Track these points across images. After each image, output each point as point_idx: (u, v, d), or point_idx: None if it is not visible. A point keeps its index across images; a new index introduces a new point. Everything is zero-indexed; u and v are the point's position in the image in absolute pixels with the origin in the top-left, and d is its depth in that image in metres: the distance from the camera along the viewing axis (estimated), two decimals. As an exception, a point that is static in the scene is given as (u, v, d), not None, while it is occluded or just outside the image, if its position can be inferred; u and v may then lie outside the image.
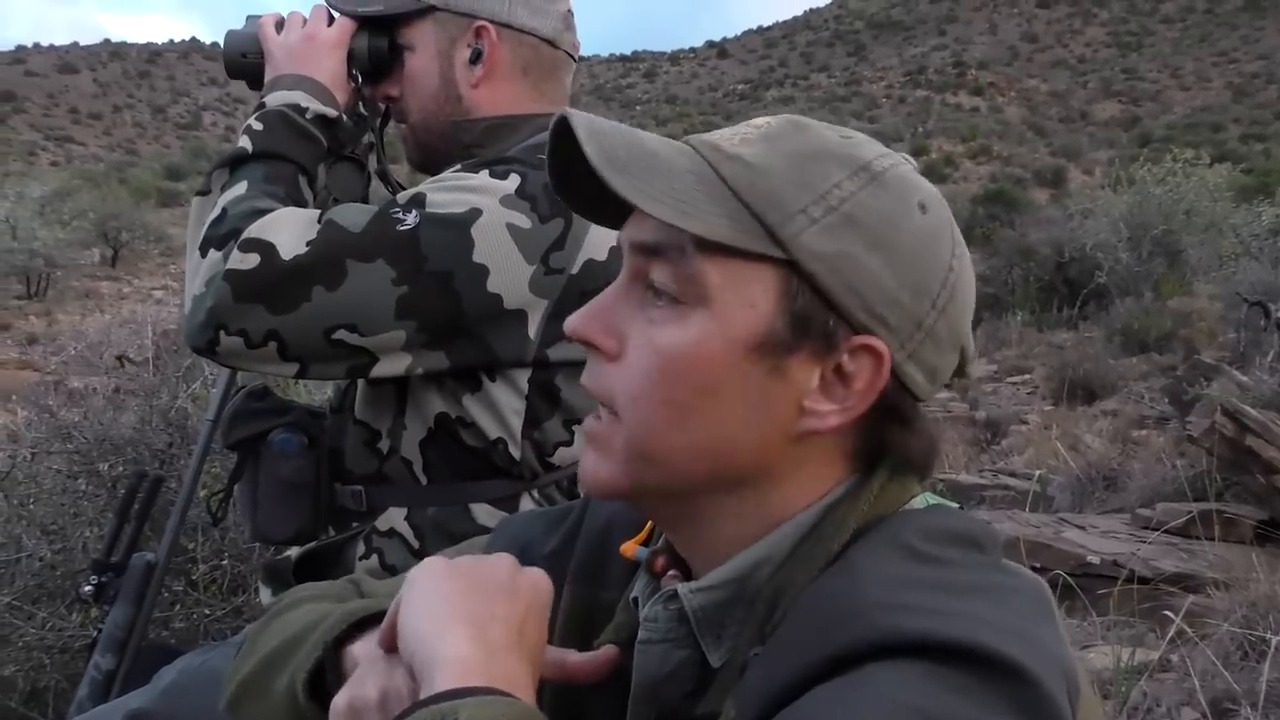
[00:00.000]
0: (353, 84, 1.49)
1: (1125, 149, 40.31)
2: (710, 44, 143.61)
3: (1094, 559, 3.81)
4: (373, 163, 1.59)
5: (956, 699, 0.57)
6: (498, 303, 1.28)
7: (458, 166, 1.37)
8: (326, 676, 0.80)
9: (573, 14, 1.53)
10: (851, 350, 0.72)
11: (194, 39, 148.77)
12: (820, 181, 0.72)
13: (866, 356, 0.72)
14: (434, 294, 1.26)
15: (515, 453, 1.37)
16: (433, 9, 1.46)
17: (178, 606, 2.74)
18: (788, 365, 0.72)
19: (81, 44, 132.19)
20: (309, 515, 1.46)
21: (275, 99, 1.42)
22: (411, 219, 1.26)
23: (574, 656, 0.79)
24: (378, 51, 1.49)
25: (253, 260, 1.24)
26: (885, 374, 0.72)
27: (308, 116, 1.41)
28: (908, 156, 0.80)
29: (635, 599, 0.82)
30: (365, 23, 1.49)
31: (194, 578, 2.78)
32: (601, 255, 1.35)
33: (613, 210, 0.76)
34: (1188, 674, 2.80)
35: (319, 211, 1.30)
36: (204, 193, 1.39)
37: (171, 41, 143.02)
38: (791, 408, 0.72)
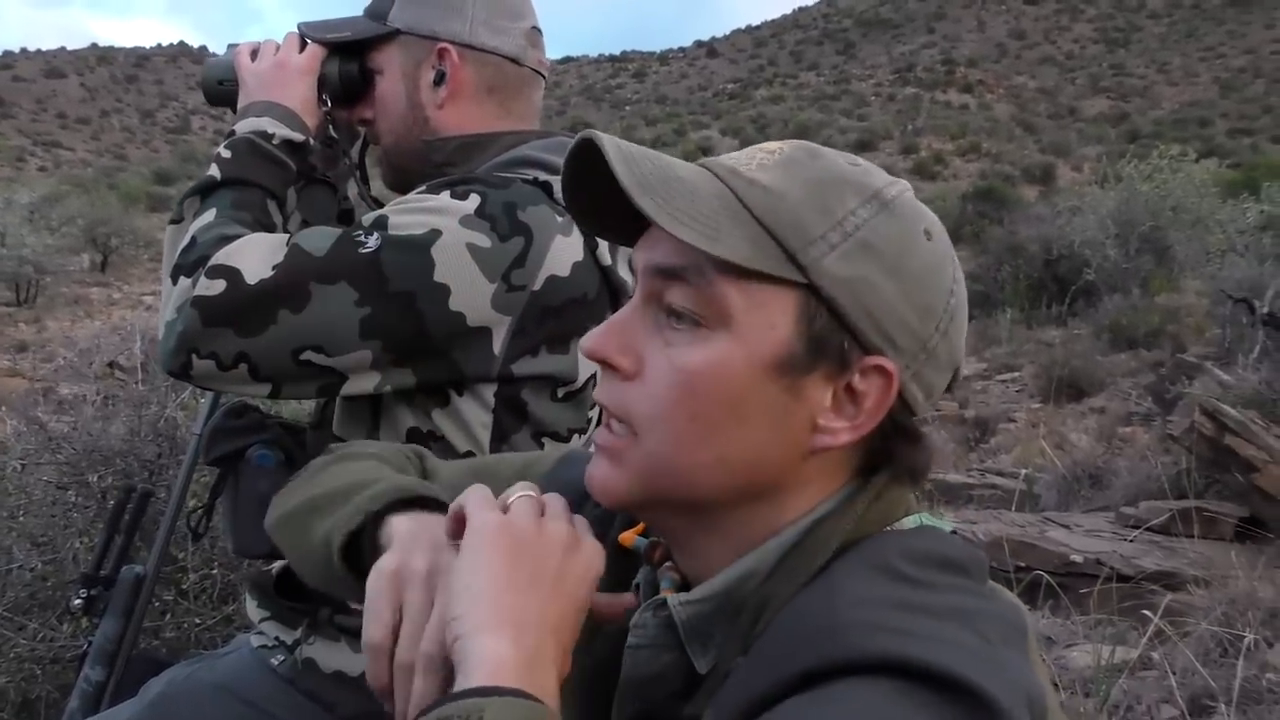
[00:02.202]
0: (324, 109, 1.53)
1: (1114, 145, 40.36)
2: (699, 43, 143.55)
3: (1077, 558, 3.85)
4: (353, 186, 1.62)
5: (919, 718, 0.60)
6: (461, 321, 1.31)
7: (422, 187, 1.40)
8: (362, 541, 0.85)
9: (539, 31, 1.55)
10: (863, 370, 0.75)
11: (182, 43, 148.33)
12: (837, 208, 0.75)
13: (877, 376, 0.75)
14: (397, 314, 1.29)
15: None
16: (397, 33, 1.49)
17: (168, 616, 2.76)
18: (804, 384, 0.75)
19: (69, 49, 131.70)
20: None
21: (244, 126, 1.46)
22: (373, 242, 1.29)
23: (599, 596, 0.81)
24: (348, 76, 1.52)
25: (219, 286, 1.28)
26: (893, 393, 0.75)
27: (274, 142, 1.45)
28: (906, 184, 0.83)
29: (639, 586, 0.86)
30: (337, 49, 1.53)
31: (184, 587, 2.79)
32: (564, 271, 1.38)
33: (620, 228, 0.78)
34: (1167, 672, 2.84)
35: (286, 236, 1.34)
36: (177, 221, 1.42)
37: (159, 45, 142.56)
38: (806, 425, 0.76)
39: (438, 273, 1.29)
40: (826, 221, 0.74)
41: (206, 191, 1.42)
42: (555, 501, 0.81)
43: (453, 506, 0.79)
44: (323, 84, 1.52)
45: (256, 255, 1.30)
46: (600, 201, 0.77)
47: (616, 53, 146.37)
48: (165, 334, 1.32)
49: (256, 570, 1.62)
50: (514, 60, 1.52)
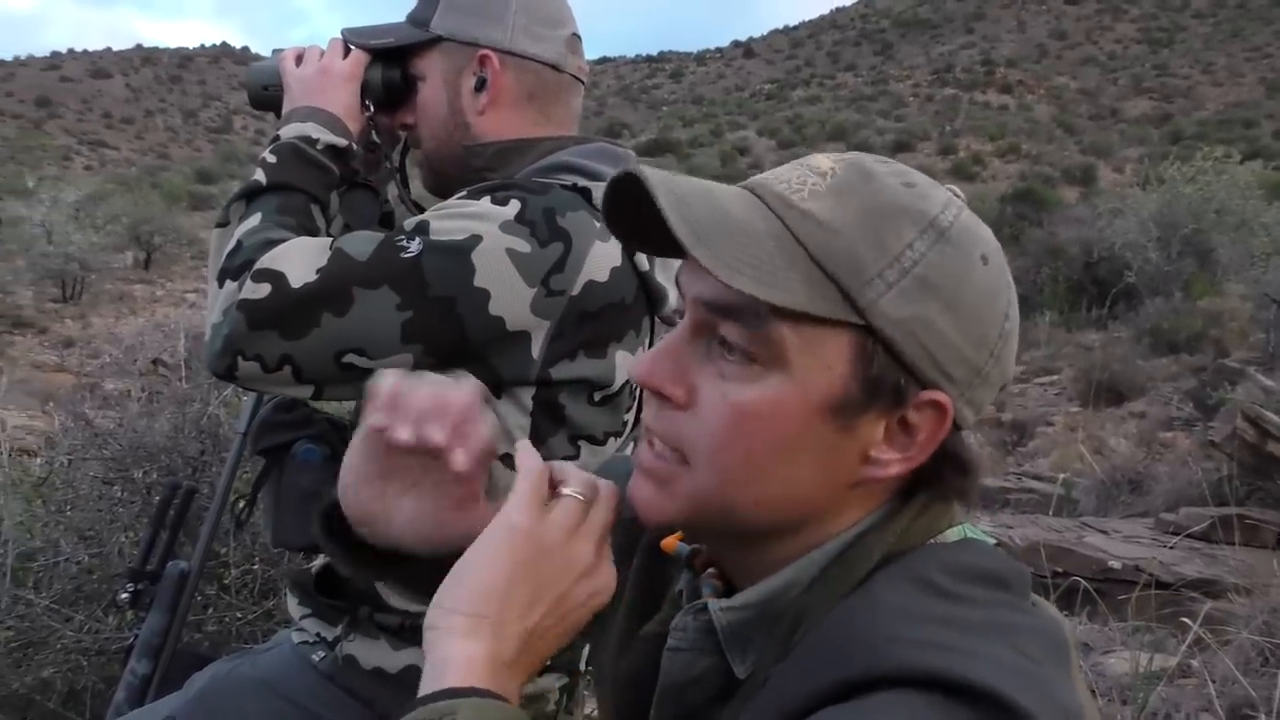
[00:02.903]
0: (366, 114, 1.55)
1: (1156, 146, 39.78)
2: (736, 44, 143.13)
3: (1115, 564, 3.82)
4: (393, 189, 1.64)
5: None
6: (500, 325, 1.33)
7: (463, 193, 1.41)
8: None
9: (578, 38, 1.57)
10: (918, 404, 0.74)
11: (224, 43, 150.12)
12: (894, 242, 0.72)
13: (931, 410, 0.74)
14: (438, 319, 1.31)
15: None
16: (439, 40, 1.51)
17: (210, 610, 2.80)
18: (858, 422, 0.74)
19: (114, 49, 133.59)
20: None
21: (289, 131, 1.49)
22: (414, 247, 1.31)
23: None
24: (390, 82, 1.55)
25: (264, 289, 1.30)
26: (948, 424, 0.74)
27: (319, 147, 1.47)
28: (956, 190, 0.80)
29: (681, 592, 0.86)
30: (380, 55, 1.55)
31: (226, 582, 2.84)
32: (603, 276, 1.39)
33: (663, 242, 0.76)
34: (1207, 680, 2.81)
35: (329, 240, 1.36)
36: (223, 224, 1.45)
37: (202, 46, 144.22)
38: (856, 458, 0.75)
39: (478, 277, 1.31)
40: (883, 258, 0.72)
41: (252, 196, 1.45)
42: (602, 510, 0.81)
43: (493, 458, 0.81)
44: (365, 89, 1.55)
45: (301, 259, 1.32)
46: (643, 218, 0.76)
47: (653, 53, 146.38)
48: (211, 336, 1.35)
49: (297, 568, 1.65)
50: (554, 67, 1.53)
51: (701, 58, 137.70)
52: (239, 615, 2.82)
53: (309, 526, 1.53)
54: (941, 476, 0.77)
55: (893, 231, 0.73)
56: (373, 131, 1.58)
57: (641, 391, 1.57)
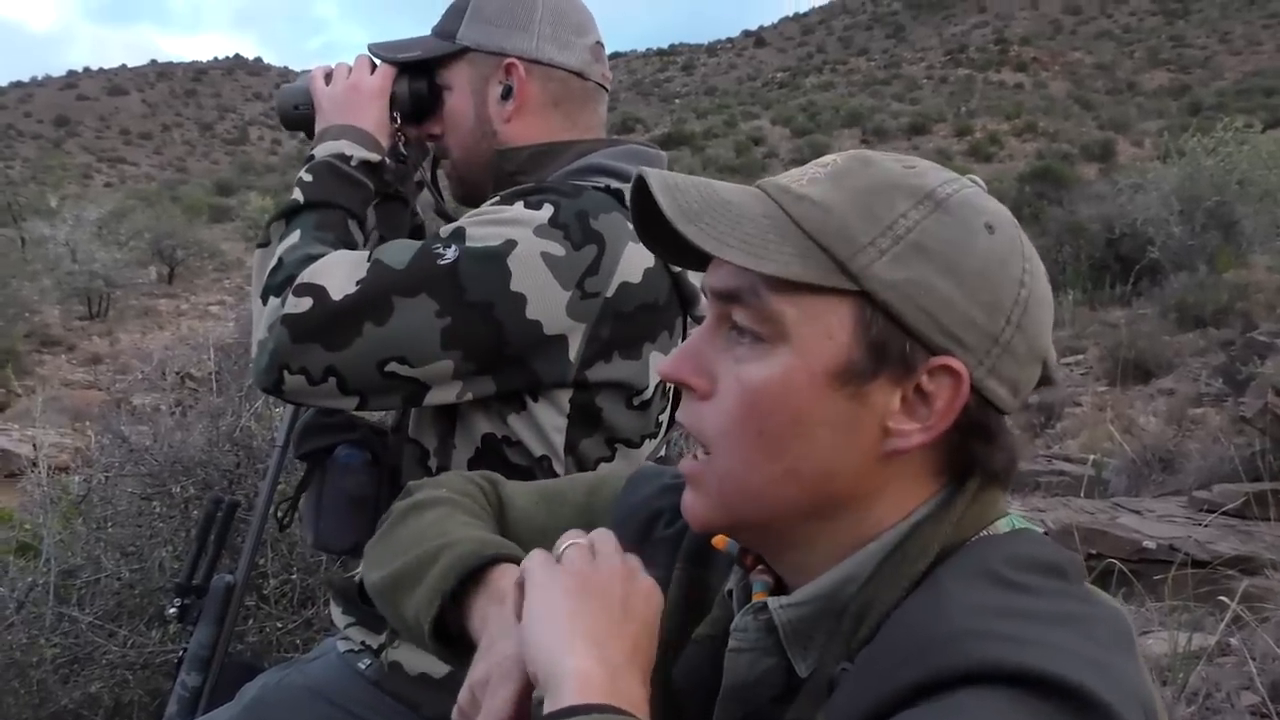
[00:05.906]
0: (395, 126, 1.58)
1: (1175, 119, 39.34)
2: (747, 33, 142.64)
3: (1150, 544, 3.80)
4: (424, 197, 1.67)
5: None
6: (538, 329, 1.35)
7: (496, 198, 1.44)
8: (448, 618, 0.89)
9: (602, 46, 1.59)
10: (930, 371, 0.75)
11: (238, 55, 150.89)
12: (885, 213, 0.75)
13: (945, 376, 0.75)
14: (476, 324, 1.33)
15: (559, 469, 1.44)
16: (466, 50, 1.54)
17: (251, 620, 2.84)
18: (868, 391, 0.75)
19: (129, 66, 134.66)
20: (368, 528, 1.53)
21: (323, 149, 1.51)
22: (451, 253, 1.34)
23: None
24: (418, 94, 1.57)
25: (306, 303, 1.33)
26: (965, 391, 0.75)
27: (353, 164, 1.50)
28: (975, 178, 0.82)
29: (731, 591, 0.87)
30: (406, 68, 1.57)
31: (265, 592, 2.87)
32: (636, 277, 1.41)
33: (696, 255, 0.79)
34: (1247, 658, 2.80)
35: (367, 253, 1.39)
36: (264, 245, 1.48)
37: (216, 59, 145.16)
38: (876, 430, 0.76)
39: (514, 282, 1.33)
40: (875, 228, 0.75)
41: (291, 215, 1.48)
42: (604, 541, 0.82)
43: (514, 582, 0.81)
44: (393, 103, 1.57)
45: (340, 272, 1.35)
46: (674, 234, 0.79)
47: (664, 46, 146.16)
48: (258, 352, 1.38)
49: (340, 578, 1.68)
50: (579, 74, 1.55)
51: (713, 49, 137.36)
52: (279, 625, 2.86)
53: (351, 530, 1.58)
54: (972, 451, 0.78)
55: (885, 204, 0.76)
56: (402, 144, 1.60)
57: (675, 392, 1.59)
